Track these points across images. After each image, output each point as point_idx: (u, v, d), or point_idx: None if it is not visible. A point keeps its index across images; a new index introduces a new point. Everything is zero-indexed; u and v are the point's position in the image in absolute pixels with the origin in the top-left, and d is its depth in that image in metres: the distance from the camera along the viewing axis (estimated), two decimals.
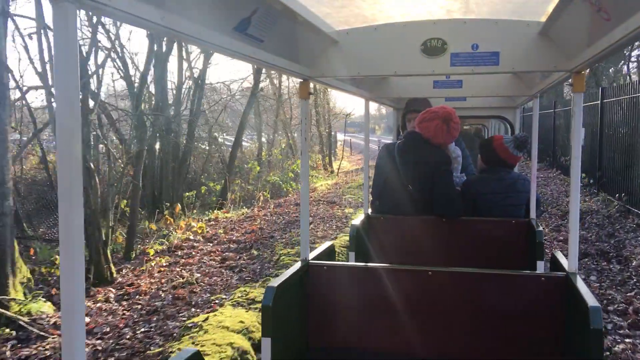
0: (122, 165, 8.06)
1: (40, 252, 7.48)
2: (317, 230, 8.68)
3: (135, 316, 5.07)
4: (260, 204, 12.32)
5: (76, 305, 1.17)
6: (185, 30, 1.55)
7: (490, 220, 3.83)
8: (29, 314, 4.87)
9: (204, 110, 12.83)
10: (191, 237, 8.39)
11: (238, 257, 7.24)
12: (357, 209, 11.00)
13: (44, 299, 5.23)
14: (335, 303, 2.72)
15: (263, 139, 28.53)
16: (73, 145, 1.15)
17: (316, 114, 25.07)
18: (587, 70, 18.43)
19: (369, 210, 4.05)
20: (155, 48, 9.41)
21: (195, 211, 11.46)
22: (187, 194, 13.45)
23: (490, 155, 4.10)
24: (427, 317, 2.61)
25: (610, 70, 21.90)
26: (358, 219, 3.86)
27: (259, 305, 4.56)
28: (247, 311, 4.65)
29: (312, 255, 2.83)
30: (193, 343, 3.85)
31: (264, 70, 23.09)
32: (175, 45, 12.91)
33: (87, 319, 5.00)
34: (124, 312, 5.22)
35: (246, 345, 4.06)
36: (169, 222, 8.70)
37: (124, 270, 6.89)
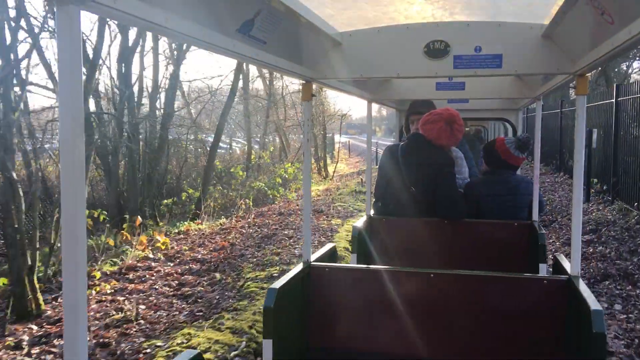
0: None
1: None
2: (295, 247, 7.56)
3: None
4: (240, 213, 11.22)
5: (79, 303, 1.17)
6: (188, 32, 1.57)
7: (493, 223, 3.83)
8: None
9: (177, 111, 11.76)
10: (150, 256, 7.28)
11: (197, 281, 6.13)
12: (345, 220, 9.89)
13: None
14: (337, 305, 2.72)
15: (255, 142, 27.53)
16: (76, 146, 1.16)
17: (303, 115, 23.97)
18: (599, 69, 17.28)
19: (371, 212, 4.03)
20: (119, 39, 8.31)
21: (164, 222, 10.37)
22: (166, 201, 12.37)
23: (493, 157, 4.07)
24: (429, 319, 2.61)
25: (623, 66, 20.76)
26: (360, 221, 3.86)
27: None
28: None
29: (313, 257, 2.82)
30: None
31: (249, 68, 22.19)
32: (149, 38, 11.84)
33: None
34: None
35: None
36: (124, 237, 7.58)
37: (59, 299, 5.77)
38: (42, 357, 4.22)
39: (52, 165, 10.64)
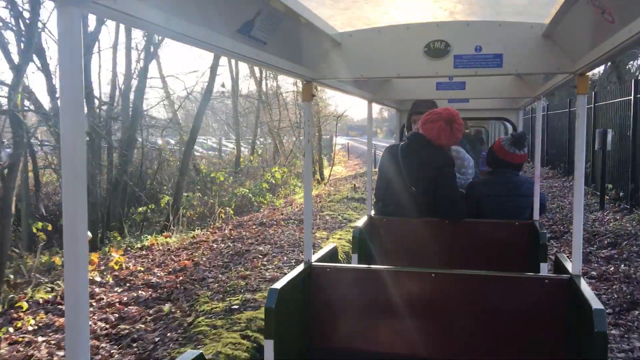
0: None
1: None
2: (268, 268, 6.48)
3: None
4: (217, 223, 10.14)
5: (80, 304, 1.18)
6: (188, 32, 1.56)
7: (494, 223, 3.85)
8: None
9: (147, 110, 10.75)
10: (97, 279, 6.19)
11: (141, 315, 5.05)
12: (332, 233, 8.81)
13: None
14: (338, 305, 2.72)
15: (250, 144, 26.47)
16: (77, 147, 1.16)
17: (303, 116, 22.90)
18: (609, 64, 16.26)
19: (372, 212, 4.06)
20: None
21: (136, 234, 9.32)
22: (141, 209, 11.30)
23: (492, 158, 4.12)
24: (430, 319, 2.61)
25: (633, 62, 19.65)
26: (361, 221, 3.87)
27: None
28: None
29: (314, 257, 2.82)
30: None
31: (238, 67, 21.13)
32: (122, 31, 10.80)
33: None
34: None
35: None
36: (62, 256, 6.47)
37: None
38: None
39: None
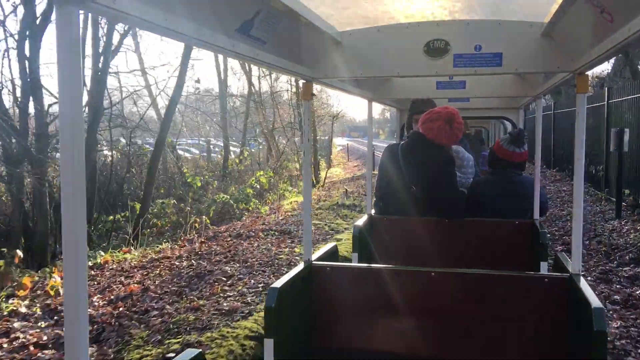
0: None
1: None
2: (228, 295, 5.42)
3: None
4: (189, 235, 9.10)
5: (79, 304, 1.19)
6: (188, 32, 1.56)
7: (494, 222, 3.85)
8: None
9: (108, 108, 9.70)
10: (22, 310, 5.14)
11: None
12: (315, 247, 7.74)
13: None
14: (338, 304, 2.72)
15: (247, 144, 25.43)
16: (76, 146, 1.16)
17: (298, 116, 21.87)
18: (619, 59, 15.23)
19: (372, 211, 4.07)
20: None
21: (103, 245, 8.29)
22: (112, 217, 10.27)
23: (492, 158, 4.14)
24: (430, 318, 2.62)
25: None
26: (361, 220, 3.88)
27: None
28: None
29: (315, 256, 2.83)
30: None
31: (226, 65, 20.08)
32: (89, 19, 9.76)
33: None
34: None
35: None
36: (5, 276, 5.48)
37: None
38: None
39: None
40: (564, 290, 2.45)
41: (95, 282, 6.24)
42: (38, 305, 5.32)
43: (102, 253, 7.52)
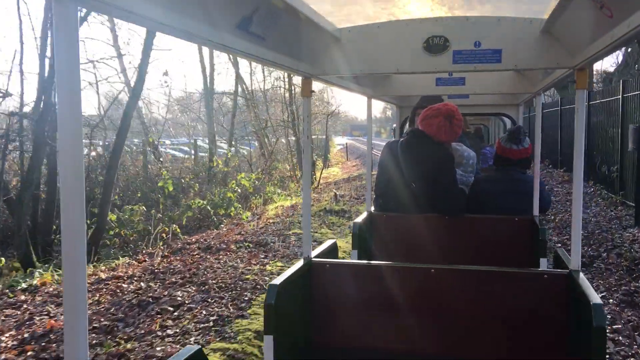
0: None
1: None
2: (167, 334, 4.36)
3: None
4: (155, 247, 8.06)
5: (79, 303, 1.20)
6: (187, 28, 1.56)
7: (493, 218, 3.85)
8: None
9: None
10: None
11: None
12: (290, 263, 6.69)
13: None
14: (338, 301, 2.73)
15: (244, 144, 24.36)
16: (76, 143, 1.16)
17: (290, 114, 20.80)
18: (628, 49, 14.09)
19: (372, 208, 4.08)
20: None
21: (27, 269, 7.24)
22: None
23: (495, 156, 4.18)
24: (429, 314, 2.62)
25: None
26: (361, 217, 3.89)
27: None
28: None
29: (314, 253, 2.83)
30: None
31: (213, 60, 18.97)
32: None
33: None
34: None
35: None
36: None
37: None
38: None
39: None
40: (563, 286, 2.46)
41: (21, 311, 5.20)
42: None
43: (41, 272, 6.46)
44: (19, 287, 5.97)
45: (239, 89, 21.55)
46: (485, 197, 3.98)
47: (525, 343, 2.49)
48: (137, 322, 4.64)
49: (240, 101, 22.01)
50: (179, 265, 6.67)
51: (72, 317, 1.19)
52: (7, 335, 4.47)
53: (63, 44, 1.13)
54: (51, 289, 5.92)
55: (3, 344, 4.25)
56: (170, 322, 4.57)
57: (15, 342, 4.31)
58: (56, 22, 1.12)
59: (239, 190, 11.36)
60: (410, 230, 3.84)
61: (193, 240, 8.64)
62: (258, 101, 20.98)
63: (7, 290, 5.84)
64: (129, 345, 4.04)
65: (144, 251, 7.75)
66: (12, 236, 7.90)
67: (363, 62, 2.68)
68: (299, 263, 2.68)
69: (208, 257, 7.14)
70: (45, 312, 5.08)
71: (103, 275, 6.47)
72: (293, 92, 21.46)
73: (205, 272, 6.19)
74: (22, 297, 5.67)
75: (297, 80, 21.39)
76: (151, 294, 5.35)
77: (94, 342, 4.18)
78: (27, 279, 6.18)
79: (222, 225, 10.45)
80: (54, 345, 4.17)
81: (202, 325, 4.50)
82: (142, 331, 4.37)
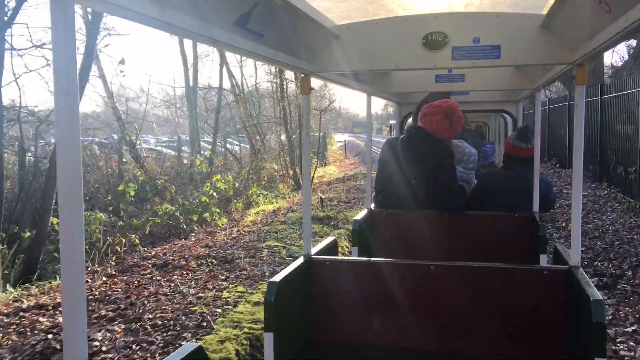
0: None
1: None
2: None
3: None
4: (109, 262, 6.94)
5: (78, 303, 1.20)
6: (184, 25, 1.55)
7: (494, 215, 3.85)
8: None
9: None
10: None
11: None
12: (254, 288, 5.57)
13: None
14: (338, 298, 2.73)
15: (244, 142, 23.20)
16: (73, 140, 1.16)
17: (281, 110, 19.66)
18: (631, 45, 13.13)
19: (372, 205, 4.08)
20: None
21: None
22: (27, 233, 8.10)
23: (504, 154, 4.36)
24: (429, 311, 2.62)
25: None
26: (361, 214, 3.87)
27: None
28: None
29: (314, 250, 2.83)
30: None
31: (197, 53, 17.69)
32: None
33: None
34: None
35: None
36: None
37: None
38: None
39: None
40: (563, 282, 2.44)
41: None
42: None
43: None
44: None
45: (229, 84, 20.45)
46: (492, 192, 3.97)
47: (525, 339, 2.48)
48: None
49: (230, 97, 20.88)
50: (119, 291, 5.54)
51: (71, 318, 1.18)
52: None
53: (60, 39, 1.11)
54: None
55: None
56: None
57: None
58: (53, 19, 1.11)
59: (215, 194, 10.24)
60: (410, 227, 3.82)
61: (152, 254, 7.51)
62: (247, 96, 19.83)
63: None
64: None
65: (89, 268, 6.62)
66: None
67: (362, 58, 2.65)
68: (299, 260, 2.66)
69: (159, 278, 6.02)
70: None
71: (29, 303, 5.34)
72: (285, 86, 20.32)
73: (146, 302, 5.06)
74: None
75: (290, 74, 20.24)
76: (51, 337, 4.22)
77: None
78: None
79: (193, 234, 9.32)
80: None
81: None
82: None
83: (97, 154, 15.34)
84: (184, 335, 4.21)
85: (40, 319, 4.76)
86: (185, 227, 9.25)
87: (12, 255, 7.25)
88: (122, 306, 4.95)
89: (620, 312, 5.36)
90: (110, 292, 5.45)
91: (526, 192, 3.90)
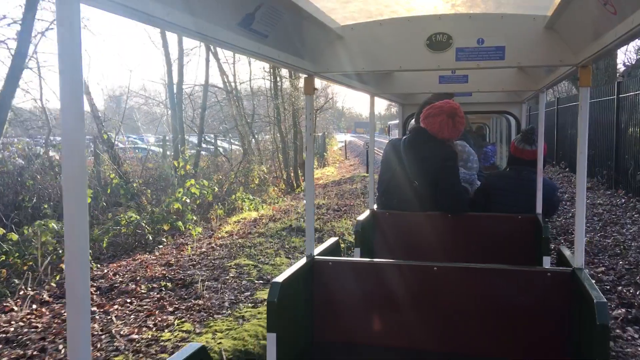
0: None
1: None
2: None
3: None
4: (49, 284, 5.91)
5: (82, 302, 1.20)
6: (189, 26, 1.56)
7: (496, 216, 3.85)
8: None
9: None
10: None
11: None
12: (206, 320, 4.53)
13: None
14: (341, 298, 2.73)
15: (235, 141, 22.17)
16: (78, 139, 1.16)
17: (275, 109, 18.63)
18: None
19: (374, 206, 4.09)
20: None
21: None
22: None
23: (509, 155, 4.33)
24: (432, 312, 2.62)
25: None
26: (363, 215, 3.88)
27: None
28: None
29: (317, 250, 2.84)
30: None
31: (182, 47, 16.53)
32: None
33: None
34: None
35: None
36: None
37: None
38: None
39: None
40: (567, 284, 2.44)
41: None
42: None
43: None
44: None
45: (219, 81, 19.42)
46: (495, 195, 3.99)
47: (529, 341, 2.47)
48: None
49: (219, 94, 19.85)
50: (39, 327, 4.51)
51: (75, 318, 1.19)
52: None
53: (66, 39, 1.12)
54: None
55: None
56: None
57: None
58: (58, 17, 1.12)
59: (188, 200, 9.20)
60: (413, 228, 3.83)
61: (102, 273, 6.47)
62: (239, 94, 18.79)
63: None
64: None
65: (20, 292, 5.59)
66: None
67: (366, 59, 2.66)
68: (302, 261, 2.66)
69: (95, 308, 4.98)
70: None
71: None
72: (279, 84, 19.28)
73: (61, 347, 4.01)
74: None
75: (284, 71, 19.21)
76: None
77: None
78: None
79: (162, 246, 8.29)
80: None
81: None
82: None
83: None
84: None
85: None
86: (152, 238, 8.20)
87: None
88: (29, 353, 3.91)
89: None
90: (26, 330, 4.42)
91: (529, 194, 3.88)
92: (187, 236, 9.01)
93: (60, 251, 7.24)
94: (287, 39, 2.23)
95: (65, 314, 4.83)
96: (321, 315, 2.71)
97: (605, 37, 1.86)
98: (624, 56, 20.79)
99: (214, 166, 17.73)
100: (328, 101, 23.17)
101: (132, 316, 4.71)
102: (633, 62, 21.22)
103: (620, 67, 21.11)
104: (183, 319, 4.59)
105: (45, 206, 9.96)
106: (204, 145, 19.41)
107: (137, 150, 18.30)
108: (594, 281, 2.17)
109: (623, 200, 10.64)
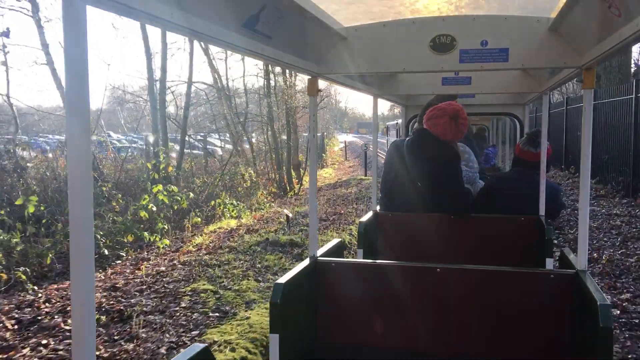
0: None
1: None
2: None
3: None
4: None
5: (87, 302, 1.19)
6: (194, 27, 1.57)
7: (499, 218, 3.85)
8: None
9: None
10: None
11: None
12: None
13: None
14: (344, 300, 2.73)
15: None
16: (83, 142, 1.16)
17: (267, 107, 17.63)
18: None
19: (377, 208, 4.09)
20: None
21: None
22: None
23: (513, 157, 4.36)
24: (435, 314, 2.62)
25: None
26: (366, 216, 3.88)
27: None
28: None
29: (320, 251, 2.84)
30: None
31: (165, 41, 15.78)
32: None
33: None
34: None
35: None
36: None
37: None
38: None
39: None
40: (570, 286, 2.43)
41: None
42: None
43: None
44: None
45: (210, 78, 18.43)
46: (499, 196, 4.00)
47: (532, 343, 2.47)
48: None
49: (210, 91, 18.88)
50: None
51: (80, 319, 1.19)
52: None
53: (72, 42, 1.11)
54: None
55: None
56: None
57: None
58: (65, 20, 1.11)
59: (154, 208, 8.20)
60: (415, 229, 3.82)
61: (34, 298, 5.45)
62: (229, 91, 17.80)
63: None
64: None
65: None
66: None
67: (369, 61, 2.66)
68: (305, 262, 2.66)
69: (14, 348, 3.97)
70: None
71: None
72: (272, 81, 18.28)
73: None
74: None
75: (278, 68, 18.21)
76: None
77: None
78: None
79: (120, 262, 7.28)
80: None
81: None
82: None
83: (48, 155, 13.36)
84: None
85: None
86: (107, 252, 7.19)
87: None
88: None
89: None
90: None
91: (533, 196, 3.86)
92: (154, 249, 8.01)
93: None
94: (291, 40, 2.24)
95: None
96: (324, 316, 2.72)
97: (610, 39, 1.86)
98: (638, 55, 19.72)
99: (202, 168, 16.75)
100: (324, 99, 22.09)
101: None
102: None
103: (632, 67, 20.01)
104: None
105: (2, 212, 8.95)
106: (190, 145, 18.44)
107: (119, 151, 17.31)
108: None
109: (636, 212, 9.58)
